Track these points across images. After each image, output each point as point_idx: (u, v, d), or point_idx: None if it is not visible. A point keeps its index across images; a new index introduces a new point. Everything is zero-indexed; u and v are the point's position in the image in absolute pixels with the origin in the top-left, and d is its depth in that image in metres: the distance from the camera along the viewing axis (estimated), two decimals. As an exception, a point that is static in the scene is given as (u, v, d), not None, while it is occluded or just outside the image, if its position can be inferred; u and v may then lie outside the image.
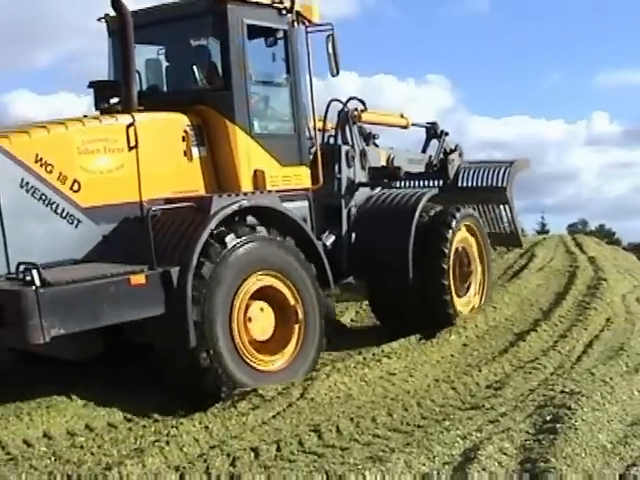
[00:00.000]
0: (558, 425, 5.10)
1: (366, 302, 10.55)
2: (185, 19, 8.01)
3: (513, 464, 4.59)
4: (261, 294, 7.06)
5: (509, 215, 12.40)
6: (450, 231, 9.38)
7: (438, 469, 4.57)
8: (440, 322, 9.28)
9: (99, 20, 8.46)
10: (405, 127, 11.89)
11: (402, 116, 11.78)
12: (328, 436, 5.49)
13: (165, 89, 8.39)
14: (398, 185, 10.58)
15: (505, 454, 4.66)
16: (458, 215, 9.62)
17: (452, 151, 11.92)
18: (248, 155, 7.77)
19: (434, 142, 12.16)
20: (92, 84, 7.84)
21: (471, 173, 12.05)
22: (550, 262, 14.82)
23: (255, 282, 6.97)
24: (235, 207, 6.97)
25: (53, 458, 5.34)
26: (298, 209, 8.13)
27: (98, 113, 7.62)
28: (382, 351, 8.35)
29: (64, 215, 6.52)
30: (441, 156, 11.86)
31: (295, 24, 8.27)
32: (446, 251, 9.29)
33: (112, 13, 7.72)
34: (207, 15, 7.86)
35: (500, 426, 5.27)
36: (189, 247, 6.45)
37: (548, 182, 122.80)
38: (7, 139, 6.25)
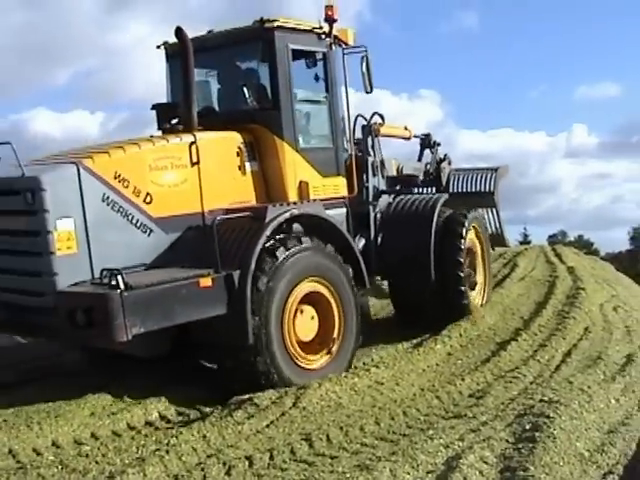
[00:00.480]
0: (537, 434, 5.35)
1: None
2: (236, 45, 8.74)
3: (493, 473, 4.85)
4: (307, 298, 7.76)
5: (495, 218, 13.17)
6: (464, 229, 10.39)
7: (422, 478, 4.84)
8: (456, 313, 10.27)
9: (158, 47, 9.26)
10: (408, 139, 12.66)
11: (406, 128, 12.55)
12: (319, 445, 5.74)
13: (218, 109, 9.04)
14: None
15: (486, 463, 4.92)
16: (469, 216, 10.66)
17: (442, 160, 12.71)
18: (294, 168, 8.52)
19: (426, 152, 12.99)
20: (155, 106, 8.65)
21: (461, 179, 13.03)
22: (531, 272, 15.17)
23: (303, 288, 7.67)
24: (287, 215, 7.70)
25: (60, 467, 5.59)
26: (337, 216, 8.86)
27: (160, 133, 8.38)
28: (372, 360, 8.75)
29: (138, 225, 7.20)
30: (435, 165, 12.70)
31: (333, 47, 8.98)
32: (462, 246, 10.28)
33: (171, 41, 8.76)
34: (257, 41, 8.51)
35: (481, 435, 5.52)
36: (248, 252, 7.13)
37: (531, 194, 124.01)
38: (91, 159, 6.93)
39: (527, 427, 5.61)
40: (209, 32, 8.84)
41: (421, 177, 12.26)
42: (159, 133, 8.41)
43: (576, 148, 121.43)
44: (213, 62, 9.08)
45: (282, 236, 7.61)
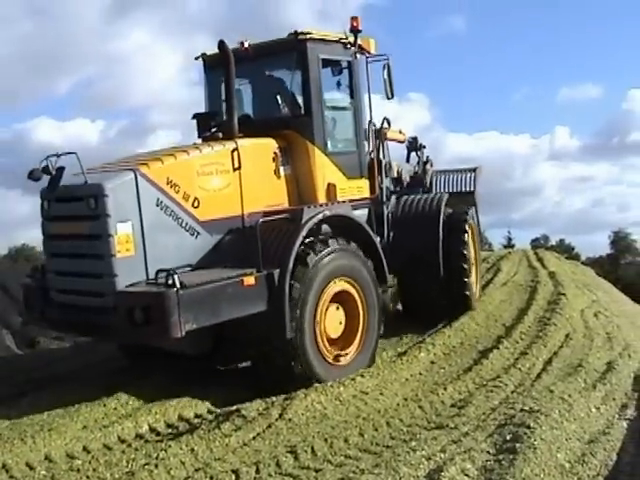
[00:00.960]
0: (518, 444, 5.41)
1: None
2: (271, 56, 9.28)
3: (474, 485, 4.93)
4: (336, 297, 8.27)
5: (474, 215, 13.31)
6: (467, 225, 11.25)
7: (404, 490, 4.92)
8: (461, 305, 11.19)
9: (196, 58, 9.81)
10: (403, 142, 13.22)
11: (400, 132, 13.02)
12: (304, 457, 5.82)
13: (252, 116, 9.45)
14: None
15: (467, 475, 4.99)
16: (469, 213, 11.56)
17: (426, 162, 13.27)
18: (323, 171, 9.09)
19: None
20: (195, 116, 9.31)
21: (443, 180, 13.90)
22: (514, 277, 15.37)
23: (334, 287, 8.20)
24: (320, 216, 8.28)
25: (52, 482, 5.67)
26: (362, 216, 9.53)
27: (200, 141, 9.03)
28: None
29: (187, 228, 7.66)
30: (422, 167, 13.28)
31: (357, 56, 9.54)
32: (465, 239, 11.07)
33: (209, 52, 9.46)
34: (291, 52, 9.01)
35: (462, 446, 5.60)
36: (286, 252, 7.68)
37: (515, 197, 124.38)
38: (146, 166, 7.39)
39: (508, 438, 5.67)
40: (241, 44, 9.20)
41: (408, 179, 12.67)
42: (199, 141, 9.07)
43: (558, 151, 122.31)
44: (248, 72, 9.46)
45: (316, 237, 8.17)
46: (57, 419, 7.00)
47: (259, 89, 9.67)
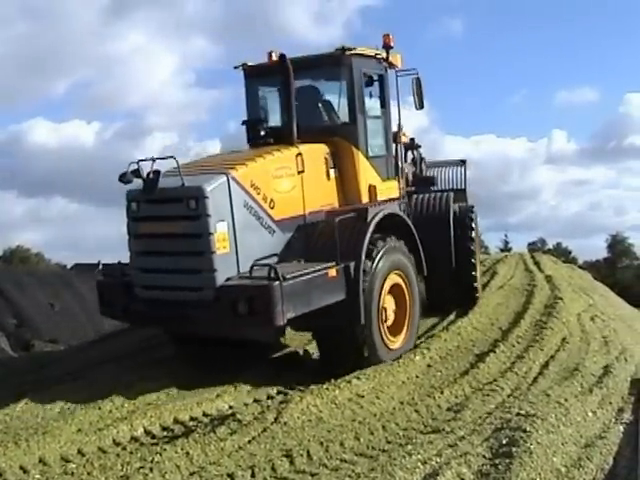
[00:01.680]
0: (514, 449, 5.43)
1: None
2: (318, 68, 10.12)
3: (470, 489, 4.94)
4: (391, 288, 9.27)
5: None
6: (473, 223, 12.08)
7: (400, 495, 4.93)
8: (468, 297, 12.14)
9: (236, 67, 10.37)
10: (407, 143, 13.33)
11: (404, 134, 13.00)
12: (299, 461, 5.82)
13: (299, 124, 9.73)
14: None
15: (463, 479, 5.01)
16: (474, 211, 12.31)
17: (421, 161, 13.60)
18: (366, 174, 9.90)
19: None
20: (245, 122, 10.14)
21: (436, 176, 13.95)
22: (510, 280, 15.35)
23: (390, 279, 9.21)
24: (381, 215, 9.24)
25: (46, 485, 5.64)
26: None
27: (248, 146, 9.96)
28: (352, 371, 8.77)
29: (266, 227, 8.38)
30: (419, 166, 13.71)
31: (387, 69, 10.42)
32: (472, 236, 11.96)
33: (250, 63, 10.21)
34: (337, 66, 9.76)
35: (458, 450, 5.60)
36: (359, 247, 8.61)
37: (512, 201, 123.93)
38: (235, 170, 8.07)
39: (504, 442, 5.68)
40: (269, 55, 10.35)
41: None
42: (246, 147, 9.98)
43: (555, 154, 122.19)
44: (296, 82, 9.84)
45: (376, 234, 9.00)
46: (51, 422, 6.97)
47: (307, 99, 10.10)
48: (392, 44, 10.34)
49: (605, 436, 6.17)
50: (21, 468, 5.99)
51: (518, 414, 6.47)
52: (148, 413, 7.20)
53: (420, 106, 10.61)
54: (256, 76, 10.23)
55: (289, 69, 9.20)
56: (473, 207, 12.43)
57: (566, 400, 6.89)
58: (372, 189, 9.94)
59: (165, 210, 8.03)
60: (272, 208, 8.43)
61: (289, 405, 7.06)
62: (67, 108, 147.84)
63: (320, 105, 10.12)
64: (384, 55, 10.31)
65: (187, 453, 5.99)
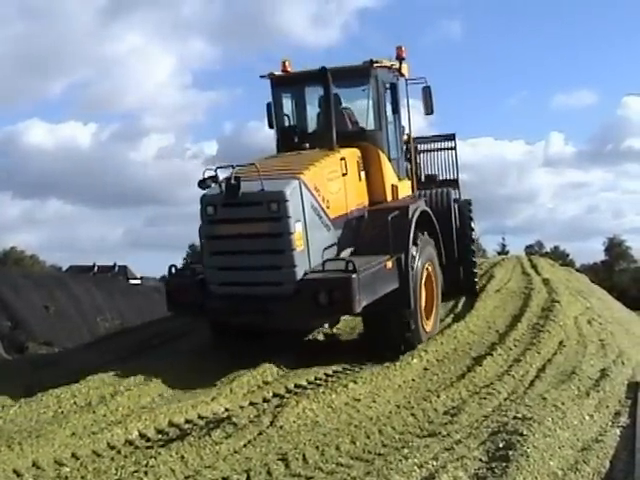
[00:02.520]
0: (510, 452, 5.39)
1: (337, 326, 11.35)
2: (347, 79, 10.84)
3: (466, 493, 4.92)
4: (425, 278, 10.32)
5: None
6: (471, 213, 13.19)
7: (396, 499, 4.90)
8: (469, 285, 13.36)
9: (262, 77, 11.06)
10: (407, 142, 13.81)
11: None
12: (295, 465, 5.77)
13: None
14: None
15: (459, 483, 4.98)
16: (471, 203, 13.36)
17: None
18: (389, 175, 10.90)
19: None
20: (279, 129, 11.07)
21: (428, 161, 14.88)
22: (507, 283, 15.33)
23: (425, 270, 10.32)
24: (419, 211, 10.37)
25: (39, 489, 5.59)
26: None
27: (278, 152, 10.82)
28: (349, 375, 8.82)
29: (325, 225, 9.29)
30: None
31: (398, 78, 11.33)
32: (472, 225, 13.18)
33: (276, 72, 11.05)
34: (367, 77, 10.63)
35: (455, 454, 5.57)
36: (406, 240, 9.66)
37: (509, 204, 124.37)
38: (303, 174, 8.90)
39: (501, 445, 5.66)
40: (283, 64, 11.30)
41: None
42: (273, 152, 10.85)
43: (553, 157, 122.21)
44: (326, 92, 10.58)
45: (416, 230, 10.00)
46: (45, 425, 6.92)
47: (336, 107, 10.65)
48: (404, 55, 11.30)
49: (602, 439, 6.15)
50: (15, 472, 5.93)
51: (515, 417, 6.45)
52: (143, 416, 7.16)
53: (430, 112, 11.42)
54: (285, 85, 11.17)
55: (329, 80, 10.03)
56: (470, 201, 13.40)
57: (563, 403, 6.87)
58: (394, 188, 10.95)
59: (246, 212, 8.70)
60: (328, 208, 9.34)
61: (285, 409, 7.05)
62: (63, 109, 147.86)
63: (346, 112, 10.93)
64: (397, 66, 11.21)
65: (182, 457, 5.95)
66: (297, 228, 8.58)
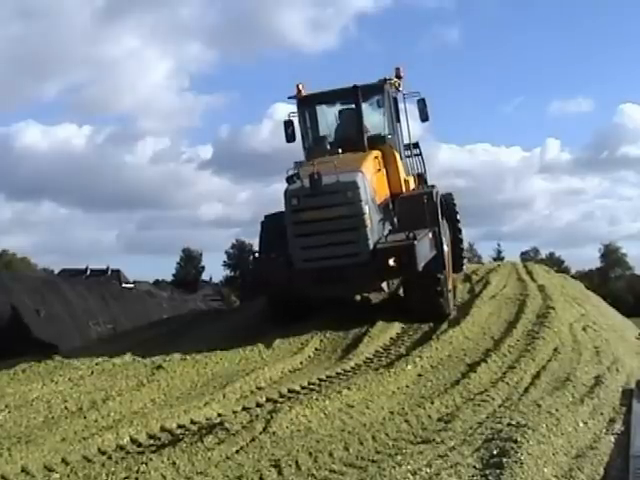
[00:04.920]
0: (504, 459, 5.33)
1: (330, 331, 11.60)
2: (365, 94, 13.27)
3: (460, 501, 4.88)
4: None
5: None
6: (456, 206, 15.31)
7: (390, 506, 4.85)
8: (458, 265, 14.89)
9: (290, 98, 13.63)
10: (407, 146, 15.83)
11: None
12: (287, 471, 5.71)
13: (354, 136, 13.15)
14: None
15: (452, 491, 4.94)
16: (453, 196, 15.49)
17: None
18: (401, 171, 13.41)
19: None
20: (309, 140, 13.58)
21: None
22: (502, 290, 15.29)
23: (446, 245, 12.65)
24: (439, 195, 13.23)
25: (28, 495, 5.53)
26: None
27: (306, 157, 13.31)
28: (343, 380, 8.77)
29: (376, 208, 11.74)
30: None
31: (397, 93, 13.83)
32: (458, 217, 15.21)
33: (303, 93, 13.55)
34: (382, 92, 13.41)
35: (449, 461, 5.52)
36: (437, 217, 12.28)
37: (505, 210, 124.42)
38: (362, 168, 11.49)
39: (495, 452, 5.61)
40: (297, 87, 13.59)
41: None
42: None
43: (549, 163, 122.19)
44: (346, 104, 13.73)
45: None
46: (35, 431, 6.87)
47: (358, 117, 13.18)
48: (402, 74, 13.75)
49: (596, 446, 6.14)
50: (3, 478, 5.85)
51: (509, 424, 6.40)
52: (134, 421, 7.10)
53: (425, 119, 13.69)
54: (311, 103, 13.77)
55: (359, 96, 12.91)
56: (452, 194, 15.52)
57: (557, 410, 6.84)
58: (406, 182, 13.45)
59: (327, 200, 11.14)
60: (375, 195, 11.78)
61: (278, 414, 6.98)
62: (58, 111, 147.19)
63: (364, 121, 13.19)
64: (397, 83, 13.69)
65: (173, 463, 5.88)
66: (366, 209, 11.16)
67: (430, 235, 11.52)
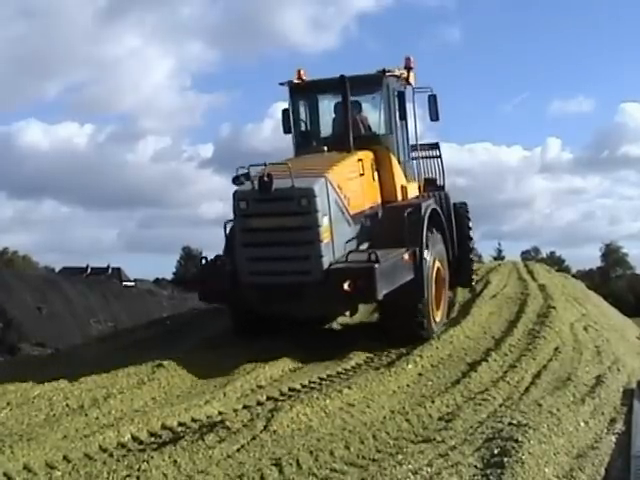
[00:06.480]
0: (505, 459, 5.36)
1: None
2: (360, 87, 11.54)
3: (461, 500, 4.88)
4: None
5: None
6: (469, 214, 13.67)
7: (391, 505, 4.86)
8: (466, 278, 13.54)
9: (282, 84, 11.81)
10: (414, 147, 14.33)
11: None
12: (288, 470, 5.71)
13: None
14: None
15: (453, 490, 4.95)
16: (467, 204, 13.90)
17: None
18: (399, 175, 11.67)
19: None
20: (297, 134, 11.88)
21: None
22: (503, 289, 15.30)
23: (435, 264, 10.90)
24: (430, 209, 11.11)
25: (30, 493, 5.52)
26: None
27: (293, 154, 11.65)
28: (343, 380, 8.77)
29: (347, 220, 10.10)
30: None
31: (406, 86, 12.00)
32: (470, 225, 13.55)
33: (295, 80, 11.84)
34: (379, 85, 11.46)
35: (450, 460, 5.54)
36: (420, 235, 10.39)
37: (506, 209, 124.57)
38: (328, 173, 9.70)
39: (495, 452, 5.63)
40: (298, 72, 11.96)
41: None
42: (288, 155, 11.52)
43: (550, 163, 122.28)
44: (336, 98, 11.75)
45: (427, 227, 10.66)
46: (37, 428, 6.88)
47: (352, 112, 11.35)
48: (412, 65, 12.15)
49: (597, 446, 6.14)
50: (5, 475, 5.86)
51: (510, 424, 6.42)
52: (136, 419, 7.11)
53: (435, 118, 11.89)
54: (303, 92, 11.97)
55: (347, 87, 10.88)
56: (466, 203, 13.90)
57: (558, 410, 6.85)
58: (403, 189, 11.68)
59: (277, 207, 9.53)
60: (349, 204, 10.11)
61: (279, 413, 6.99)
62: (60, 109, 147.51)
63: (358, 117, 11.63)
64: (405, 75, 11.96)
65: (175, 461, 5.88)
66: (324, 222, 9.41)
67: (406, 256, 9.93)
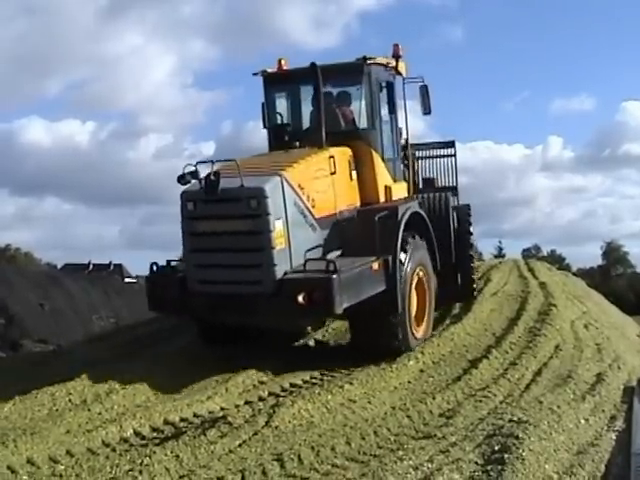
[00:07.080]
0: (506, 455, 5.39)
1: (333, 325, 11.40)
2: (340, 76, 10.45)
3: (461, 496, 4.91)
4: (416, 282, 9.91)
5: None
6: (471, 218, 12.59)
7: (392, 500, 4.89)
8: (467, 291, 12.53)
9: (255, 74, 10.64)
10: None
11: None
12: (290, 465, 5.75)
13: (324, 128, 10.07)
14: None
15: (454, 486, 4.98)
16: (470, 208, 12.82)
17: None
18: (382, 175, 10.43)
19: None
20: (270, 128, 10.64)
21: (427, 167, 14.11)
22: (504, 287, 15.32)
23: (416, 274, 9.87)
24: (409, 213, 9.90)
25: (34, 486, 5.56)
26: None
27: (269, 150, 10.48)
28: (345, 375, 8.76)
29: (310, 224, 8.91)
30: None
31: (395, 77, 10.90)
32: (471, 230, 12.51)
33: (269, 70, 10.60)
34: (360, 74, 10.14)
35: (450, 456, 5.57)
36: (394, 243, 9.25)
37: (507, 207, 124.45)
38: (286, 171, 8.58)
39: (496, 448, 5.66)
40: (278, 62, 10.78)
41: None
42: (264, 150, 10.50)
43: (551, 161, 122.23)
44: (312, 89, 10.26)
45: (406, 232, 9.60)
46: (40, 423, 6.92)
47: (328, 104, 10.30)
48: (401, 53, 10.93)
49: (597, 443, 6.16)
50: (9, 468, 5.91)
51: (510, 420, 6.45)
52: (138, 414, 7.15)
53: (427, 111, 11.05)
54: (277, 83, 10.72)
55: (319, 77, 9.68)
56: (469, 205, 12.89)
57: (559, 407, 6.88)
58: (387, 189, 10.48)
59: (225, 209, 8.52)
60: (313, 207, 8.99)
61: (280, 409, 7.03)
62: (62, 107, 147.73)
63: (339, 110, 10.50)
64: (394, 64, 10.83)
65: (177, 456, 5.93)
66: (277, 226, 8.29)
67: (375, 265, 8.87)
